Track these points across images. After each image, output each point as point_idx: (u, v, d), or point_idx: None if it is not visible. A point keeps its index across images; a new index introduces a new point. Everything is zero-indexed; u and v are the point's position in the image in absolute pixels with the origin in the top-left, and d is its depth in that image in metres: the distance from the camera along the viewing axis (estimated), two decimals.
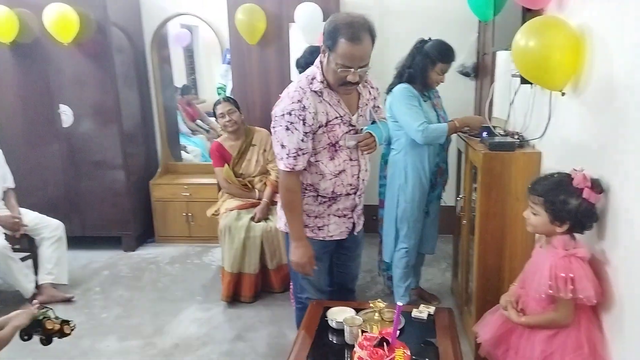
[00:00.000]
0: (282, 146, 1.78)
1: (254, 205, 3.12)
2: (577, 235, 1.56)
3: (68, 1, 3.31)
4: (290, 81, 2.16)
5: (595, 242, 1.57)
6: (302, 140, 1.76)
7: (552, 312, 1.53)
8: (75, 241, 3.53)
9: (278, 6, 3.47)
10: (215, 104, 3.21)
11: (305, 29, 3.42)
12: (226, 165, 3.18)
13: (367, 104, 1.91)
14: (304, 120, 1.74)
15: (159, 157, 4.17)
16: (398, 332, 1.55)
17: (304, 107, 1.74)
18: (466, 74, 3.59)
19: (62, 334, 1.64)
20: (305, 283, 2.01)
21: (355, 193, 1.93)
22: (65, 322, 1.66)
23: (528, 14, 2.01)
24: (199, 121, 4.96)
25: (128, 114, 3.76)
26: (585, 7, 1.68)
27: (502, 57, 2.88)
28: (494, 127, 2.40)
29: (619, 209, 1.44)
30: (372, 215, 2.83)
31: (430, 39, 2.47)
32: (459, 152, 2.81)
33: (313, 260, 1.89)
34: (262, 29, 3.45)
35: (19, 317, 1.57)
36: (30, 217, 3.08)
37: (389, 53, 2.85)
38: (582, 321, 1.50)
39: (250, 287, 2.98)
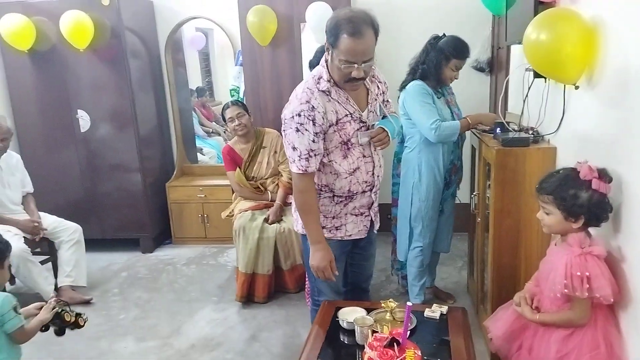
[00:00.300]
0: (294, 148, 1.77)
1: (267, 206, 3.13)
2: (593, 232, 1.52)
3: (83, 8, 3.38)
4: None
5: (611, 238, 1.53)
6: (313, 141, 1.75)
7: (568, 311, 1.49)
8: (94, 243, 3.59)
9: (289, 7, 3.48)
10: (224, 108, 3.22)
11: (316, 28, 3.41)
12: (238, 169, 3.20)
13: (376, 99, 1.89)
14: (313, 120, 1.73)
15: (175, 160, 4.22)
16: (409, 332, 1.53)
17: (313, 107, 1.73)
18: (481, 69, 3.54)
19: (76, 325, 1.80)
20: (323, 285, 1.98)
21: (371, 190, 1.91)
22: (79, 314, 1.83)
23: (541, 6, 1.97)
24: (214, 123, 5.01)
25: (144, 117, 3.81)
26: None
27: (516, 51, 2.82)
28: (508, 122, 2.35)
29: (635, 204, 1.40)
30: (387, 215, 2.81)
31: (444, 34, 2.44)
32: (473, 149, 2.76)
33: (334, 264, 1.86)
34: (273, 30, 3.46)
35: (43, 312, 1.75)
36: (49, 221, 3.15)
37: (402, 49, 2.83)
38: (599, 320, 1.46)
39: (264, 287, 2.99)
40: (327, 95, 1.76)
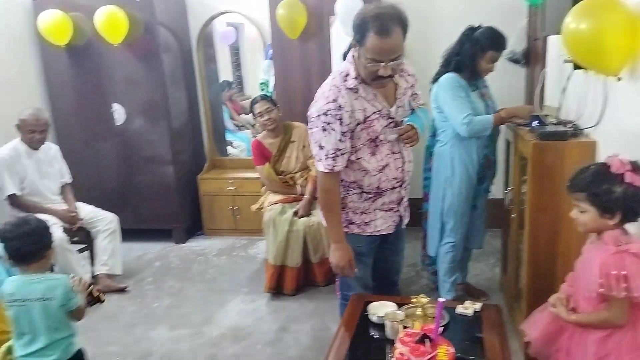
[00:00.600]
0: (320, 147, 1.76)
1: (297, 200, 3.15)
2: (630, 229, 1.46)
3: (117, 3, 3.44)
4: None
5: None
6: (340, 140, 1.73)
7: (604, 312, 1.44)
8: (129, 233, 3.68)
9: (318, 0, 3.46)
10: (253, 103, 3.24)
11: (346, 21, 3.37)
12: (267, 163, 3.21)
13: (404, 94, 1.85)
14: (340, 119, 1.71)
15: (206, 153, 4.28)
16: (442, 328, 1.52)
17: (340, 106, 1.70)
18: (516, 61, 3.44)
19: (99, 299, 1.93)
20: (351, 280, 1.98)
21: (400, 186, 1.89)
22: (100, 290, 1.97)
23: None
24: (243, 115, 5.05)
25: (176, 111, 3.88)
26: None
27: (553, 42, 2.73)
28: (545, 115, 2.28)
29: None
30: (417, 209, 2.78)
31: (480, 26, 2.38)
32: (508, 143, 2.70)
33: (353, 262, 1.87)
34: (303, 23, 3.46)
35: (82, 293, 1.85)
36: (87, 211, 3.25)
37: (433, 40, 2.78)
38: (639, 320, 1.41)
39: (293, 280, 3.01)
40: (355, 92, 1.73)
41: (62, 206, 3.18)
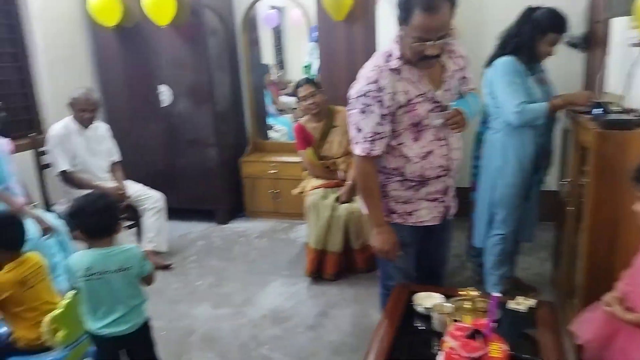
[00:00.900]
0: (358, 130, 1.71)
1: (339, 185, 3.12)
2: None
3: None
4: None
5: None
6: (379, 124, 1.66)
7: None
8: (174, 212, 3.76)
9: None
10: (297, 86, 3.21)
11: (392, 2, 3.28)
12: (309, 148, 3.19)
13: (452, 77, 1.76)
14: (380, 102, 1.64)
15: (248, 136, 4.31)
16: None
17: (381, 87, 1.64)
18: (574, 45, 3.24)
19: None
20: (393, 270, 1.94)
21: (446, 174, 1.81)
22: None
23: None
24: (285, 98, 5.04)
25: (220, 94, 3.90)
26: None
27: (618, 24, 2.56)
28: (608, 103, 2.15)
29: None
30: (465, 199, 2.69)
31: (540, 6, 2.26)
32: (565, 131, 2.57)
33: (397, 246, 1.81)
34: (349, 4, 3.39)
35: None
36: (135, 189, 3.34)
37: (487, 21, 2.65)
38: None
39: (333, 265, 3.00)
40: (398, 74, 1.66)
41: (111, 184, 3.27)
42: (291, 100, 5.14)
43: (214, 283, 3.09)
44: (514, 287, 2.65)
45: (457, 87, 1.80)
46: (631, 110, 2.05)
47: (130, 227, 3.38)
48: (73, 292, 1.87)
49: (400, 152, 1.75)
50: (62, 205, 3.15)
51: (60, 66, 3.70)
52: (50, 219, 2.79)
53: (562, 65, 3.06)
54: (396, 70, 1.66)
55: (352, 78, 1.79)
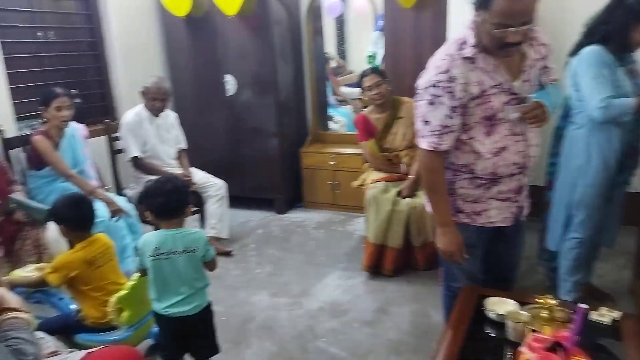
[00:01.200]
0: (425, 122, 1.61)
1: (401, 178, 3.04)
2: None
3: None
4: None
5: None
6: (449, 117, 1.56)
7: None
8: (235, 200, 3.83)
9: None
10: (362, 76, 3.13)
11: None
12: (371, 139, 3.12)
13: (533, 66, 1.62)
14: (451, 93, 1.53)
15: (309, 126, 4.30)
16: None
17: (452, 77, 1.53)
18: None
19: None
20: (458, 271, 1.85)
21: (521, 173, 1.69)
22: None
23: None
24: (346, 89, 4.99)
25: (283, 84, 3.92)
26: None
27: None
28: None
29: None
30: (538, 198, 2.52)
31: None
32: None
33: (463, 247, 1.71)
34: None
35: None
36: (199, 176, 3.42)
37: (572, 7, 2.45)
38: None
39: (392, 261, 2.94)
40: (472, 63, 1.54)
41: (178, 170, 3.36)
42: (351, 90, 5.09)
43: (272, 272, 3.12)
44: (589, 295, 2.46)
45: (537, 78, 1.66)
46: None
47: (194, 213, 3.47)
48: (138, 274, 1.93)
49: (470, 148, 1.65)
50: (132, 190, 3.29)
51: (133, 55, 3.86)
52: (121, 202, 2.92)
53: None
54: (470, 59, 1.55)
55: (418, 68, 1.71)
